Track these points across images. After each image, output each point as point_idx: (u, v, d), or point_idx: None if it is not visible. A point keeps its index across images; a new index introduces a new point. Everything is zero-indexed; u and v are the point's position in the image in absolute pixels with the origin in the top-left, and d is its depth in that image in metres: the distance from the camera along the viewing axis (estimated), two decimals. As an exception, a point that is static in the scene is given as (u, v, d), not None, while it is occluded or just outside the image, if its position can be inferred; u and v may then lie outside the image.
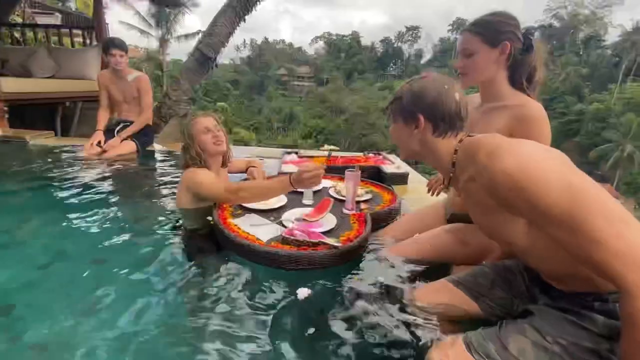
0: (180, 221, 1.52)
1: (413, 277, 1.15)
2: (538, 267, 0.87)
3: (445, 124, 0.89)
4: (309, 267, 1.17)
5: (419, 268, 1.21)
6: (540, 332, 0.79)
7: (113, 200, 1.84)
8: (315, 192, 1.73)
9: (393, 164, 2.48)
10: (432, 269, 1.21)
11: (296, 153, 2.76)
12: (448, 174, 0.92)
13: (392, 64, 53.33)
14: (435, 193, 1.57)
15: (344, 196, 1.62)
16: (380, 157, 2.75)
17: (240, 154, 3.05)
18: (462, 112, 0.90)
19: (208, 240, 1.39)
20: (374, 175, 2.35)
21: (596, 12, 34.30)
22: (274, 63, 51.32)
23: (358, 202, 1.62)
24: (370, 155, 2.80)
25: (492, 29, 1.09)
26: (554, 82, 29.42)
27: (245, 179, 1.86)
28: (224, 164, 1.69)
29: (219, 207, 1.49)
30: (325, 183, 1.92)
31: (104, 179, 2.18)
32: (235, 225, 1.35)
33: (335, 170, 2.17)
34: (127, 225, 1.57)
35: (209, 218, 1.47)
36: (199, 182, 1.46)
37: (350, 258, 1.23)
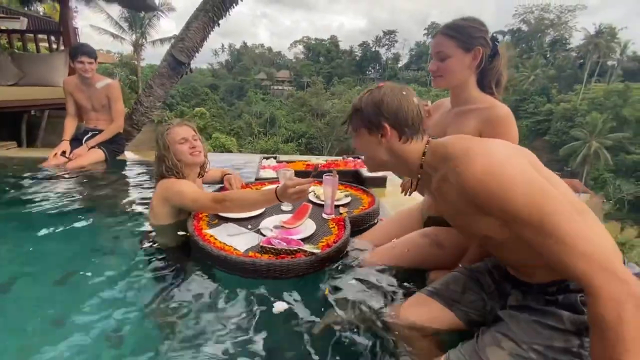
0: (154, 236, 1.45)
1: (391, 288, 1.15)
2: (508, 260, 0.89)
3: (410, 129, 0.91)
4: (289, 276, 1.15)
5: (396, 276, 1.20)
6: (515, 340, 0.80)
7: (79, 215, 1.73)
8: None
9: None
10: (410, 275, 1.21)
11: (275, 158, 2.73)
12: (416, 176, 0.93)
13: (370, 68, 54.21)
14: (408, 193, 1.58)
15: (323, 200, 1.61)
16: (359, 160, 2.77)
17: (217, 163, 3.01)
18: (422, 114, 0.93)
19: (183, 254, 1.33)
20: (353, 179, 2.37)
21: (561, 16, 36.28)
22: (254, 67, 51.03)
23: (337, 206, 1.62)
24: (350, 159, 2.81)
25: (465, 34, 1.11)
26: (524, 83, 30.83)
27: (222, 188, 1.82)
28: (200, 175, 1.65)
29: (194, 217, 1.45)
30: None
31: (69, 191, 2.06)
32: (212, 235, 1.31)
33: (315, 176, 2.15)
34: (95, 243, 1.48)
35: (181, 233, 1.42)
36: (181, 192, 1.40)
37: (330, 263, 1.23)
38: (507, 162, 0.74)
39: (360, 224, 1.57)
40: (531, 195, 0.71)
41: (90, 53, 2.62)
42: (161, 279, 1.19)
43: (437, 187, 0.88)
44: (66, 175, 2.37)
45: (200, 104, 29.77)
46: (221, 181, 1.88)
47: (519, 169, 0.73)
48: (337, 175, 1.50)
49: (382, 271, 1.22)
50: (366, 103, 0.93)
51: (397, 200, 1.98)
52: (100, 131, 2.79)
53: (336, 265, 1.25)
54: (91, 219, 1.67)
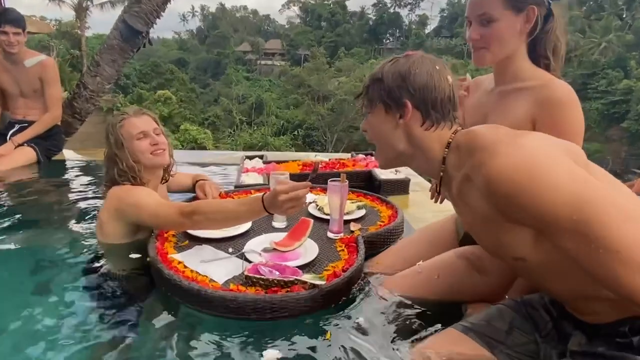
0: (103, 261, 1.46)
1: (414, 325, 1.15)
2: (555, 291, 0.91)
3: (437, 113, 0.93)
4: (283, 316, 1.14)
5: (421, 311, 1.20)
6: None
7: (1, 233, 1.73)
8: None
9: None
10: (441, 310, 1.21)
11: (261, 157, 2.74)
12: (439, 174, 0.96)
13: (388, 35, 54.48)
14: (440, 199, 1.58)
15: (328, 214, 1.61)
16: (372, 158, 2.77)
17: (185, 167, 3.01)
18: (455, 98, 0.95)
19: (142, 285, 1.33)
20: (365, 183, 2.37)
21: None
22: (234, 36, 51.41)
23: (347, 222, 1.62)
24: (360, 156, 2.82)
25: None
26: (592, 52, 30.76)
27: (194, 198, 1.83)
28: (164, 179, 1.65)
29: (157, 236, 1.45)
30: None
31: None
32: (180, 262, 1.31)
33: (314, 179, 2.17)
34: (21, 272, 1.46)
35: (136, 256, 1.42)
36: (137, 203, 1.41)
37: (338, 299, 1.22)
38: (543, 154, 0.77)
39: (378, 246, 1.57)
40: (572, 191, 0.73)
41: (17, 21, 2.63)
42: (112, 321, 1.17)
43: (459, 189, 0.90)
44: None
45: (164, 86, 29.96)
46: (192, 189, 1.89)
47: (556, 161, 0.76)
48: (347, 181, 1.50)
49: (402, 305, 1.22)
50: (388, 72, 0.96)
51: (423, 212, 1.98)
52: (31, 123, 2.80)
53: (348, 299, 1.24)
54: (16, 241, 1.67)
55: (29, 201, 2.18)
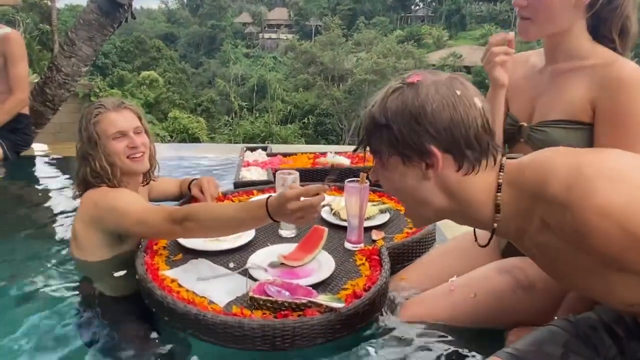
0: (82, 285, 1.47)
1: (448, 355, 1.14)
2: None
3: (475, 151, 0.87)
4: (295, 346, 1.14)
5: (456, 336, 1.20)
6: None
7: None
8: None
9: None
10: (478, 336, 1.21)
11: (264, 149, 2.76)
12: (492, 225, 0.92)
13: (417, 1, 54.01)
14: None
15: (345, 220, 1.61)
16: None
17: (172, 163, 3.03)
18: (490, 124, 0.89)
19: (131, 309, 1.34)
20: None
21: None
22: (231, 6, 51.66)
23: (367, 229, 1.62)
24: None
25: None
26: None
27: (188, 201, 1.85)
28: (145, 182, 1.68)
29: (145, 249, 1.47)
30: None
31: None
32: (174, 280, 1.33)
33: (325, 175, 2.15)
34: None
35: (119, 274, 1.43)
36: (118, 208, 1.43)
37: (359, 324, 1.22)
38: None
39: (406, 258, 1.56)
40: None
41: None
42: (92, 354, 1.19)
43: (536, 240, 0.86)
44: None
45: (150, 65, 30.31)
46: (178, 197, 1.92)
47: None
48: (368, 182, 1.50)
49: (433, 330, 1.21)
50: (396, 114, 0.88)
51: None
52: None
53: (371, 323, 1.24)
54: None
55: None
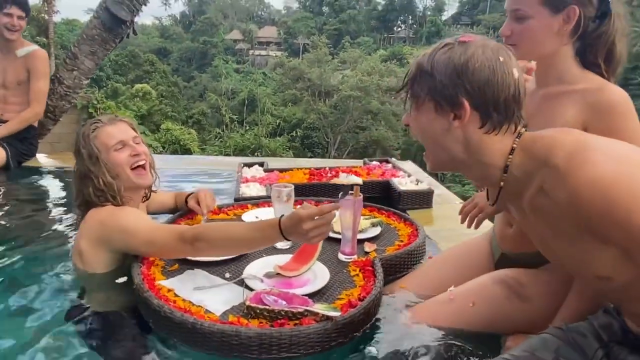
0: (86, 295, 1.44)
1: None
2: (634, 309, 0.93)
3: (500, 115, 0.91)
4: (292, 354, 1.13)
5: (454, 343, 1.20)
6: None
7: None
8: None
9: (409, 177, 2.50)
10: (475, 342, 1.21)
11: (261, 165, 2.75)
12: (498, 184, 0.96)
13: (400, 23, 54.87)
14: (475, 224, 1.58)
15: (337, 232, 1.61)
16: (389, 166, 2.77)
17: (165, 174, 3.00)
18: (521, 96, 0.93)
19: (130, 318, 1.31)
20: (382, 195, 2.37)
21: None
22: (223, 23, 51.77)
23: (360, 242, 1.62)
24: (374, 163, 2.82)
25: None
26: (635, 43, 30.84)
27: (186, 213, 1.82)
28: (145, 197, 1.65)
29: (141, 260, 1.44)
30: None
31: None
32: (170, 290, 1.31)
33: (320, 190, 2.17)
34: None
35: (121, 280, 1.40)
36: (127, 230, 1.39)
37: (354, 333, 1.21)
38: (636, 163, 0.78)
39: (397, 270, 1.57)
40: None
41: (24, 4, 2.72)
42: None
43: (531, 203, 0.90)
44: None
45: (143, 79, 30.11)
46: (174, 209, 1.89)
47: None
48: (361, 195, 1.50)
49: (432, 337, 1.22)
50: (441, 64, 0.92)
51: (450, 230, 1.97)
52: (6, 122, 2.82)
53: (366, 333, 1.24)
54: None
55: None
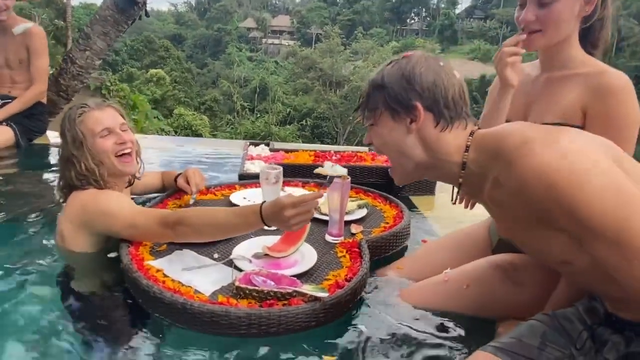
0: (72, 273, 1.42)
1: (438, 344, 1.14)
2: (606, 291, 0.95)
3: (451, 111, 0.98)
4: (281, 333, 1.13)
5: (446, 326, 1.20)
6: None
7: None
8: None
9: None
10: (469, 326, 1.21)
11: (267, 145, 2.75)
12: (457, 181, 1.01)
13: (413, 15, 54.19)
14: (470, 205, 1.57)
15: (325, 214, 1.60)
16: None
17: (172, 155, 3.02)
18: (466, 94, 1.00)
19: (116, 298, 1.31)
20: (386, 181, 2.37)
21: None
22: (237, 11, 51.55)
23: (347, 223, 1.61)
24: None
25: None
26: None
27: (174, 192, 1.80)
28: (129, 183, 1.61)
29: (129, 240, 1.42)
30: (299, 193, 1.90)
31: None
32: (159, 270, 1.29)
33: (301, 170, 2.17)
34: None
35: (112, 255, 1.39)
36: (109, 213, 1.36)
37: (341, 313, 1.21)
38: (578, 152, 0.81)
39: (381, 251, 1.56)
40: (608, 197, 0.77)
41: None
42: (81, 337, 1.15)
43: (490, 195, 0.95)
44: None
45: (157, 64, 30.18)
46: (161, 189, 1.86)
47: (599, 164, 0.80)
48: (349, 178, 1.49)
49: (424, 318, 1.22)
50: (391, 76, 1.00)
51: (451, 215, 1.96)
52: (14, 99, 2.82)
53: (351, 313, 1.24)
54: None
55: (2, 190, 2.16)
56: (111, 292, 1.36)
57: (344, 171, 2.18)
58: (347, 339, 1.17)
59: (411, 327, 1.20)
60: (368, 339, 1.16)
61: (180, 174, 1.82)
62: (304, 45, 42.08)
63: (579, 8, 1.17)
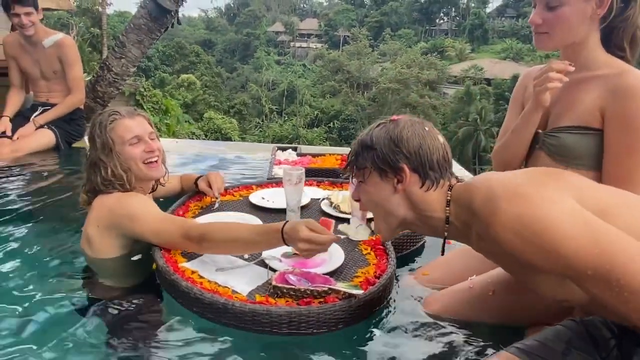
0: (95, 278, 1.44)
1: (464, 351, 1.13)
2: (616, 317, 0.94)
3: (436, 172, 1.03)
4: (320, 331, 1.15)
5: (473, 333, 1.19)
6: None
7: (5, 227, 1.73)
8: (301, 208, 1.69)
9: None
10: (497, 333, 1.20)
11: (294, 149, 2.78)
12: (442, 235, 1.06)
13: (442, 15, 53.43)
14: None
15: (344, 212, 1.59)
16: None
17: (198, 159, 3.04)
18: (449, 155, 1.07)
19: (147, 301, 1.33)
20: None
21: None
22: (266, 15, 52.10)
23: (368, 221, 1.58)
24: None
25: None
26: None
27: (194, 195, 1.82)
28: (154, 188, 1.62)
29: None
30: (312, 193, 1.89)
31: None
32: (194, 272, 1.31)
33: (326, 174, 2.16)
34: (26, 269, 1.45)
35: (135, 258, 1.41)
36: (134, 217, 1.37)
37: (372, 310, 1.23)
38: (546, 202, 0.86)
39: (404, 248, 1.56)
40: (578, 236, 0.81)
41: (25, 0, 2.69)
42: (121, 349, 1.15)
43: (478, 246, 1.02)
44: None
45: (188, 69, 30.84)
46: (180, 193, 1.88)
47: (560, 207, 0.85)
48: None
49: (450, 325, 1.21)
50: (379, 138, 1.06)
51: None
52: (54, 106, 2.93)
53: (381, 311, 1.25)
54: (23, 234, 1.70)
55: (40, 190, 2.23)
56: (137, 295, 1.37)
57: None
58: (372, 345, 1.18)
59: (436, 334, 1.19)
60: (392, 345, 1.17)
61: (200, 176, 1.83)
62: (332, 47, 42.17)
63: (590, 10, 1.14)
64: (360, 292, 1.17)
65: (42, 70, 2.91)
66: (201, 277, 1.29)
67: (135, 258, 1.46)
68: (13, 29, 3.08)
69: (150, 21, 3.89)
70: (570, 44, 1.21)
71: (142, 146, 1.47)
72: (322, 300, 1.17)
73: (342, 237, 1.37)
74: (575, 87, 1.19)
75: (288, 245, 1.25)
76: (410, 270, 1.53)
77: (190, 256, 1.40)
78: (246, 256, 1.41)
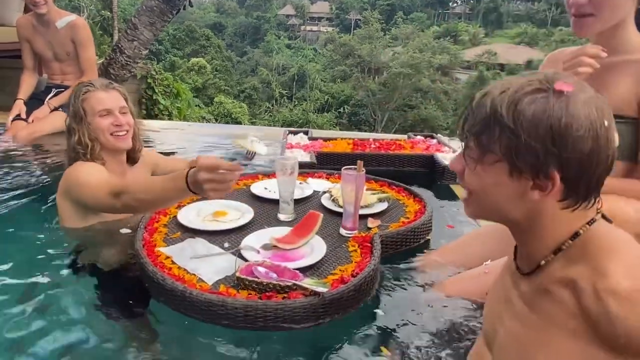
0: (79, 251, 1.48)
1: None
2: None
3: (590, 190, 0.72)
4: (277, 328, 1.12)
5: None
6: None
7: (10, 207, 1.80)
8: (299, 201, 1.69)
9: (454, 152, 2.45)
10: None
11: (306, 133, 2.76)
12: (537, 261, 0.79)
13: (456, -2, 52.21)
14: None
15: (341, 207, 1.56)
16: (434, 141, 2.70)
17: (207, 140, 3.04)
18: (614, 166, 0.74)
19: (125, 282, 1.35)
20: (426, 169, 2.35)
21: None
22: (277, -2, 51.48)
23: (364, 217, 1.57)
24: (419, 138, 2.76)
25: None
26: None
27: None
28: (131, 161, 1.67)
29: (145, 227, 1.46)
30: (317, 185, 1.88)
31: (8, 173, 2.17)
32: (167, 257, 1.31)
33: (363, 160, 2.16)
34: (28, 250, 1.50)
35: (125, 231, 1.46)
36: (79, 182, 1.45)
37: (346, 309, 1.19)
38: None
39: (399, 245, 1.53)
40: None
41: None
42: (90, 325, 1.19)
43: (551, 287, 0.75)
44: (12, 147, 2.54)
45: (199, 53, 30.72)
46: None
47: None
48: (364, 171, 1.44)
49: (465, 310, 1.21)
50: (530, 122, 0.69)
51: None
52: (68, 88, 2.92)
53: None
54: (40, 213, 1.75)
55: (53, 171, 2.27)
56: (113, 268, 1.42)
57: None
58: (381, 328, 1.19)
59: (451, 321, 1.19)
60: (405, 329, 1.18)
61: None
62: (343, 31, 41.63)
63: None
64: (325, 290, 1.13)
65: (55, 52, 2.93)
66: (173, 263, 1.29)
67: (123, 231, 1.53)
68: (26, 11, 3.07)
69: (162, 3, 3.88)
70: (614, 25, 1.15)
71: (110, 119, 1.53)
72: (285, 295, 1.14)
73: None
74: (610, 72, 1.14)
75: (192, 191, 1.17)
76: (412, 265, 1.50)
77: (171, 242, 1.41)
78: (226, 244, 1.40)
